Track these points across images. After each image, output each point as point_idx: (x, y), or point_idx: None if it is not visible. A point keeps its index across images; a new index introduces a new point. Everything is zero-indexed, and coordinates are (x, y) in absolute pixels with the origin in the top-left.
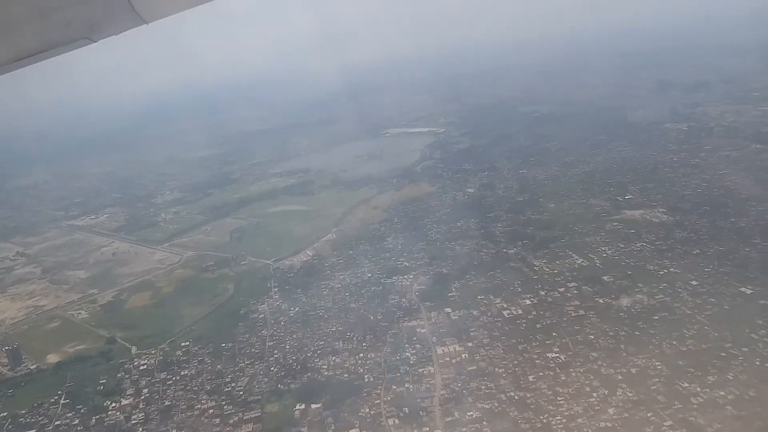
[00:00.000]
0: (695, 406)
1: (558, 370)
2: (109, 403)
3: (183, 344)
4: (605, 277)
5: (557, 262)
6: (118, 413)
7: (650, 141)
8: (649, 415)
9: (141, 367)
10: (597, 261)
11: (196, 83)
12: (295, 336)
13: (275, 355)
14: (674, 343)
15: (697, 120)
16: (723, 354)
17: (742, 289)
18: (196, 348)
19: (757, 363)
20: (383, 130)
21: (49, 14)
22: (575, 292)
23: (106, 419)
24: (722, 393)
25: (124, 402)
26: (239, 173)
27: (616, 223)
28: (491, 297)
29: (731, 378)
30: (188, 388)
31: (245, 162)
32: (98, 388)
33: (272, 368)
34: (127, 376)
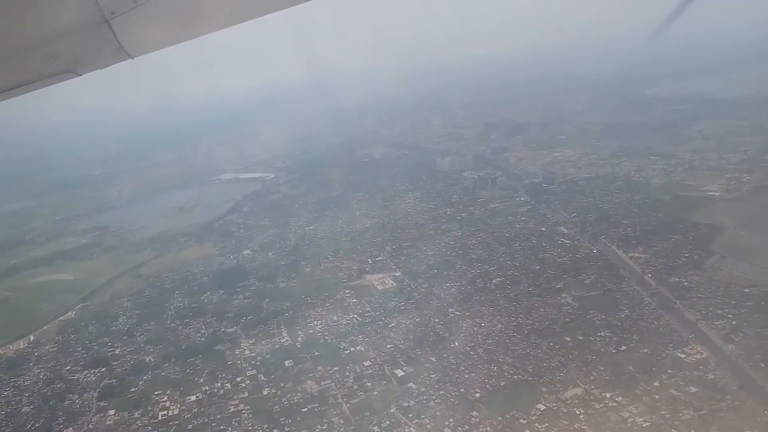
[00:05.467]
0: None
1: None
2: None
3: None
4: (287, 362)
5: (262, 343)
6: None
7: (441, 191)
8: None
9: None
10: (299, 339)
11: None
12: None
13: None
14: None
15: (494, 167)
16: None
17: (397, 371)
18: None
19: None
20: (217, 176)
21: (34, 47)
22: (248, 382)
23: None
24: None
25: None
26: (37, 231)
27: (348, 291)
28: (169, 392)
29: None
30: None
31: (53, 216)
32: None
33: None
34: None
